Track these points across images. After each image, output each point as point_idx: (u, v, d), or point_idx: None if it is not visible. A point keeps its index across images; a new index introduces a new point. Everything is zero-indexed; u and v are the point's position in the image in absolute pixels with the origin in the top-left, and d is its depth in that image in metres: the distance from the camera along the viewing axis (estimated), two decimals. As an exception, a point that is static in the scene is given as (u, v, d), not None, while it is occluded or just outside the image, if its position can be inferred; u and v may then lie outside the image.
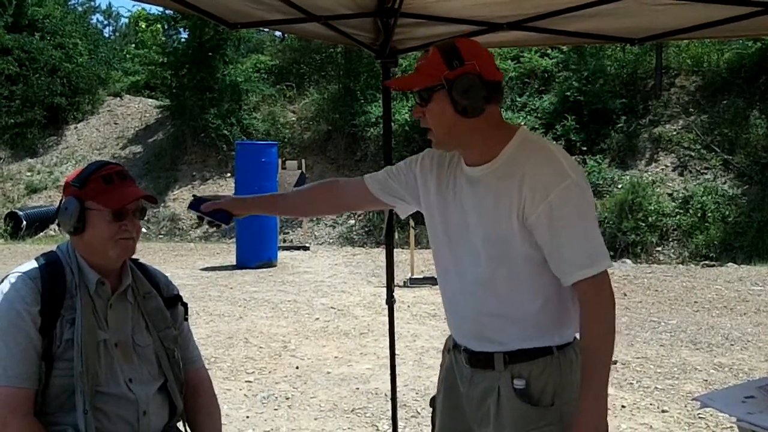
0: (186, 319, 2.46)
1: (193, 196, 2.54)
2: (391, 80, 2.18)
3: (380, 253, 13.38)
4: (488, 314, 2.02)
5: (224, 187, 18.73)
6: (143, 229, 18.01)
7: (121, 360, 2.16)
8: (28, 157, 21.90)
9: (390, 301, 3.79)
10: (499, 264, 1.99)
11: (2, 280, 2.13)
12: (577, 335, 2.02)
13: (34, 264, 2.16)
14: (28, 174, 21.02)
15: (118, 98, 24.45)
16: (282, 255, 12.79)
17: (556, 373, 2.00)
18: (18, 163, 21.66)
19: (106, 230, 2.14)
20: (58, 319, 2.06)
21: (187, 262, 12.86)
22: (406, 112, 16.72)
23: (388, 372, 3.88)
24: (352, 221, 16.22)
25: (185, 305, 2.46)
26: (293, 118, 20.40)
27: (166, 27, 23.18)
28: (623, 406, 5.22)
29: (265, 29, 20.45)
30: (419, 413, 5.18)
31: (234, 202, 2.47)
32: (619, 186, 14.34)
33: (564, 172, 1.90)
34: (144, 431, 2.16)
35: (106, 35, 34.72)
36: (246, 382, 5.98)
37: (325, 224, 16.46)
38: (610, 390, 2.06)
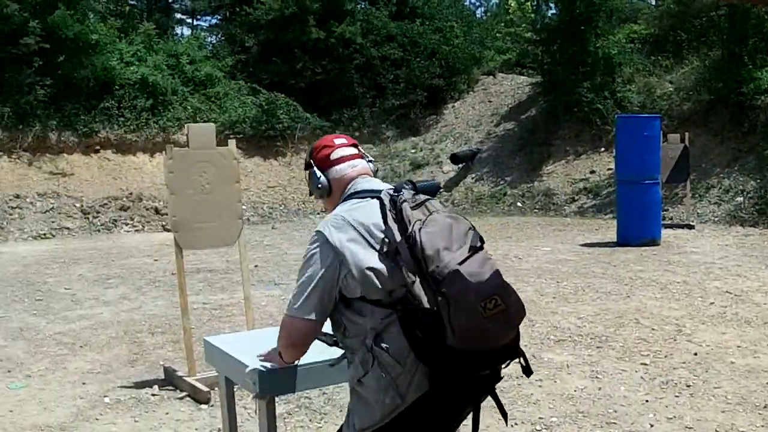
0: None
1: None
2: None
3: (778, 235, 12.31)
4: None
5: (598, 161, 18.50)
6: (518, 204, 18.47)
7: None
8: (412, 135, 23.56)
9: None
10: None
11: None
12: None
13: None
14: (412, 151, 22.64)
15: (491, 76, 25.23)
16: (665, 233, 12.29)
17: None
18: (403, 141, 23.41)
19: None
20: None
21: (566, 238, 12.93)
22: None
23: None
24: (740, 198, 14.99)
25: None
26: (670, 89, 19.39)
27: (535, 4, 23.36)
28: None
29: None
30: None
31: None
32: None
33: None
34: None
35: (478, 16, 35.89)
36: (641, 364, 5.84)
37: (709, 201, 15.43)
38: None
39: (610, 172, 17.02)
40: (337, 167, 2.54)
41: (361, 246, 2.29)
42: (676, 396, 5.16)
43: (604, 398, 5.06)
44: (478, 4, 40.93)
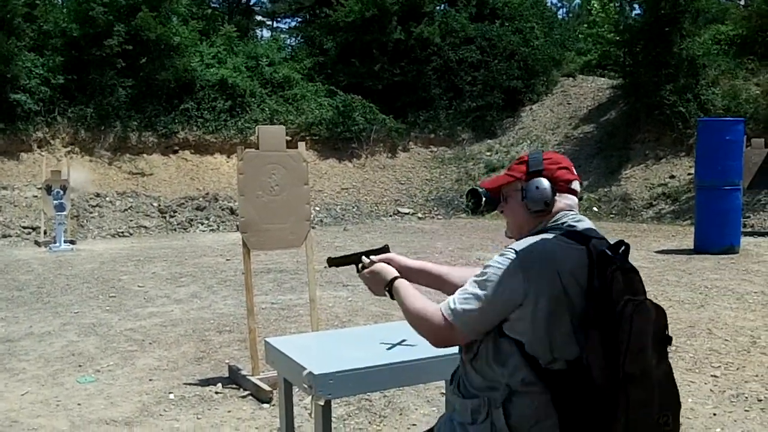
0: None
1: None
2: None
3: None
4: None
5: (678, 166, 18.02)
6: (594, 208, 18.14)
7: None
8: (488, 138, 23.41)
9: None
10: None
11: None
12: None
13: None
14: (487, 154, 22.50)
15: (571, 78, 24.88)
16: (744, 241, 11.88)
17: None
18: (479, 143, 23.29)
19: None
20: None
21: (641, 244, 12.63)
22: None
23: None
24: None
25: None
26: (757, 92, 18.75)
27: (618, 5, 22.89)
28: None
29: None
30: None
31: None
32: None
33: None
34: None
35: (560, 17, 35.41)
36: (711, 376, 5.64)
37: (793, 209, 14.88)
38: None
39: (690, 177, 16.57)
40: (567, 196, 2.19)
41: (550, 295, 1.96)
42: (746, 410, 4.96)
43: (670, 410, 4.90)
44: (560, 5, 40.44)
